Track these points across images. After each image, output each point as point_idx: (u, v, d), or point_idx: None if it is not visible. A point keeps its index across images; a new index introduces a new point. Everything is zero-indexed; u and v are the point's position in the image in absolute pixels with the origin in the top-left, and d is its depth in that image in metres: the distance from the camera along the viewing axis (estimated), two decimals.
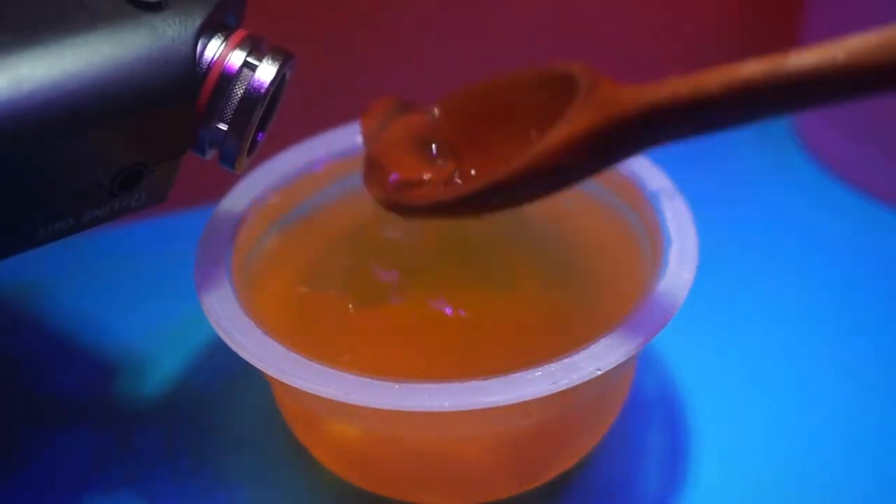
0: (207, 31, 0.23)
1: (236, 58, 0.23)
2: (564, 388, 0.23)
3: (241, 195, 0.29)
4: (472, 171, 0.26)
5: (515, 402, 0.23)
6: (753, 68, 0.20)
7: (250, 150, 0.25)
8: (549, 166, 0.23)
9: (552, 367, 0.23)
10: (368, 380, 0.23)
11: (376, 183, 0.27)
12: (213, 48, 0.23)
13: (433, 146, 0.27)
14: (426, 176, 0.26)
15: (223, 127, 0.24)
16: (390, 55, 0.39)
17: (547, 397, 0.23)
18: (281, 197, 0.30)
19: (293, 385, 0.23)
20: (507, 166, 0.24)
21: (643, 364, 0.32)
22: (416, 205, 0.26)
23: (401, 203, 0.26)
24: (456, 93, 0.28)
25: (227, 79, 0.23)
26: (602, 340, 0.24)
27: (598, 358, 0.23)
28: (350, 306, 0.29)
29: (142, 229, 0.37)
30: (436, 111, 0.28)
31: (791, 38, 0.42)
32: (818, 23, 0.40)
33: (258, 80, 0.24)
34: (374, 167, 0.27)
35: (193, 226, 0.28)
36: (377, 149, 0.28)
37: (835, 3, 0.38)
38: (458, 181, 0.26)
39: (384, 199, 0.27)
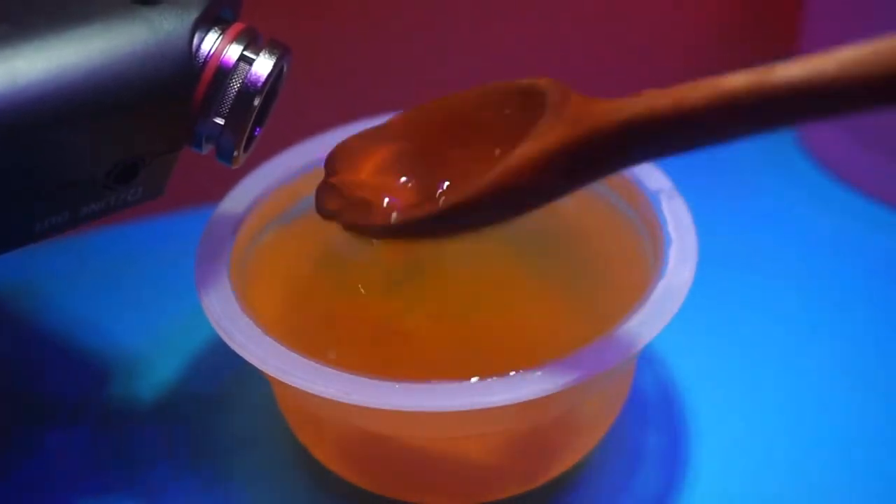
0: (204, 24, 0.23)
1: (233, 51, 0.23)
2: (564, 388, 0.23)
3: (241, 195, 0.29)
4: (439, 192, 0.24)
5: (515, 402, 0.23)
6: (738, 80, 0.18)
7: (247, 145, 0.25)
8: (517, 185, 0.21)
9: (552, 367, 0.23)
10: (368, 380, 0.23)
11: (332, 203, 0.25)
12: (210, 42, 0.23)
13: (399, 167, 0.25)
14: (389, 198, 0.25)
15: (220, 121, 0.23)
16: (390, 54, 0.39)
17: (547, 397, 0.23)
18: (279, 194, 0.30)
19: (293, 385, 0.23)
20: (470, 186, 0.22)
21: (643, 364, 0.32)
22: (377, 226, 0.24)
23: (361, 224, 0.25)
24: (421, 108, 0.26)
25: (224, 73, 0.23)
26: (602, 340, 0.24)
27: (599, 358, 0.23)
28: (343, 305, 0.29)
29: (141, 229, 0.37)
30: (400, 128, 0.26)
31: (791, 38, 0.42)
32: (818, 23, 0.40)
33: (255, 74, 0.23)
34: (334, 190, 0.26)
35: (193, 226, 0.28)
36: (343, 176, 0.26)
37: (835, 3, 0.38)
38: (423, 201, 0.24)
39: (339, 219, 0.25)
